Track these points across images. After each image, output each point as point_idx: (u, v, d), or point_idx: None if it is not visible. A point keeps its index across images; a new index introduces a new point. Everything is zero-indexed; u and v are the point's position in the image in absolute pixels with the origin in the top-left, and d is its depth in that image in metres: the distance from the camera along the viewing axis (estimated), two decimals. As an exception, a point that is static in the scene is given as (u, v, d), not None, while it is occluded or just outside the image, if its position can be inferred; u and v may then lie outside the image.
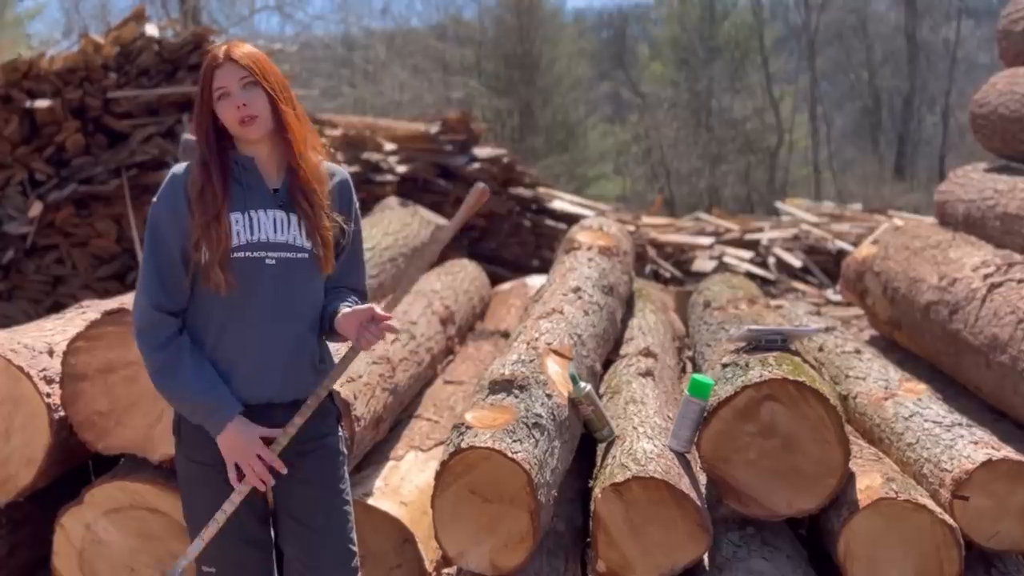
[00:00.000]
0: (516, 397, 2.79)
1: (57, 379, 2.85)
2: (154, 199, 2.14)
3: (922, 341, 4.57)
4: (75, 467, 3.06)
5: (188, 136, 2.25)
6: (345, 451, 2.32)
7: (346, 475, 2.31)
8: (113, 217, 6.55)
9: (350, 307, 2.18)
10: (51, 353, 2.94)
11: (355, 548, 2.28)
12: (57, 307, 5.89)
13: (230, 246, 2.09)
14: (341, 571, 2.23)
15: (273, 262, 2.12)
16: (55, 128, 6.50)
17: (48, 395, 2.82)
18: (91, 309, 3.34)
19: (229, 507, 2.11)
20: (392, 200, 6.41)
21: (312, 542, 2.22)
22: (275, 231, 2.14)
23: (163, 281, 2.11)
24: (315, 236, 2.16)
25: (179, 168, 2.16)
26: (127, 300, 3.19)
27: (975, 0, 26.41)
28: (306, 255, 2.16)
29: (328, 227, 2.18)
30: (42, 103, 6.42)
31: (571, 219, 8.46)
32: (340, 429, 2.31)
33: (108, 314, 2.82)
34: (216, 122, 2.13)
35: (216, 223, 2.08)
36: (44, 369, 2.86)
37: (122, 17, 7.29)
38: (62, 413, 2.83)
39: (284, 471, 2.12)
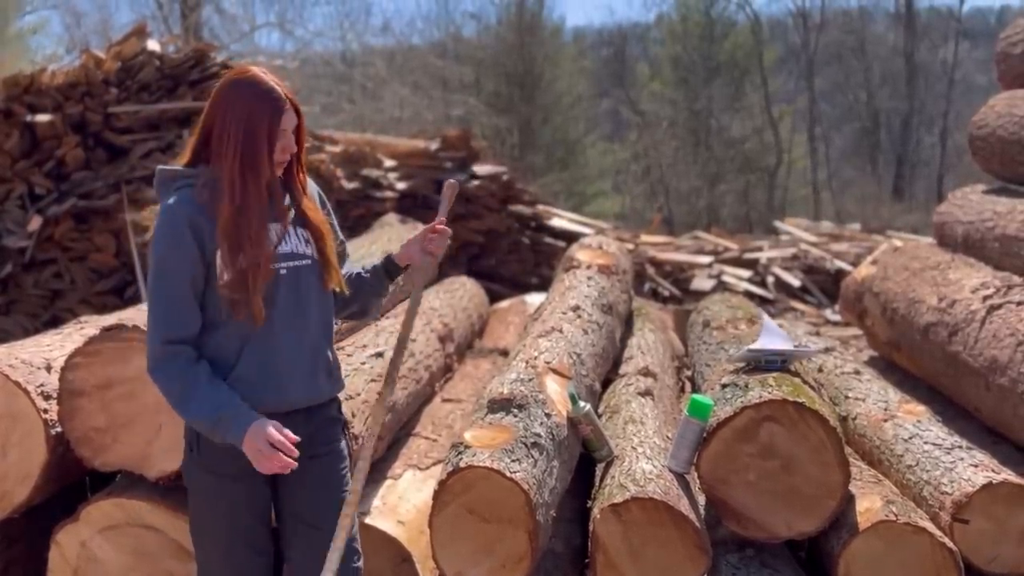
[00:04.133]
0: (515, 416, 2.78)
1: (54, 395, 2.84)
2: (155, 235, 2.16)
3: (921, 362, 4.57)
4: (71, 483, 3.05)
5: (163, 167, 2.26)
6: (349, 460, 2.38)
7: (351, 480, 2.35)
8: (112, 232, 6.54)
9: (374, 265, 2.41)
10: (49, 369, 2.93)
11: (359, 549, 2.33)
12: (55, 321, 5.88)
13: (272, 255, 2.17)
14: (347, 572, 2.25)
15: (285, 271, 2.21)
16: (55, 142, 6.51)
17: (45, 411, 2.80)
18: (89, 324, 3.33)
19: None
20: (391, 217, 6.42)
21: (321, 544, 2.24)
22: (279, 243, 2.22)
23: (171, 314, 2.14)
24: (322, 250, 2.26)
25: (172, 201, 2.16)
26: (125, 316, 3.19)
27: (973, 22, 26.61)
28: (309, 261, 2.26)
29: (329, 236, 2.28)
30: (43, 117, 6.43)
31: (570, 237, 8.47)
32: (345, 436, 2.39)
33: (106, 330, 2.81)
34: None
35: (261, 240, 2.14)
36: (42, 385, 2.85)
37: (124, 32, 7.32)
38: (59, 429, 2.82)
39: (294, 452, 2.12)
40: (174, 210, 2.15)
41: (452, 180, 2.38)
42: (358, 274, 2.43)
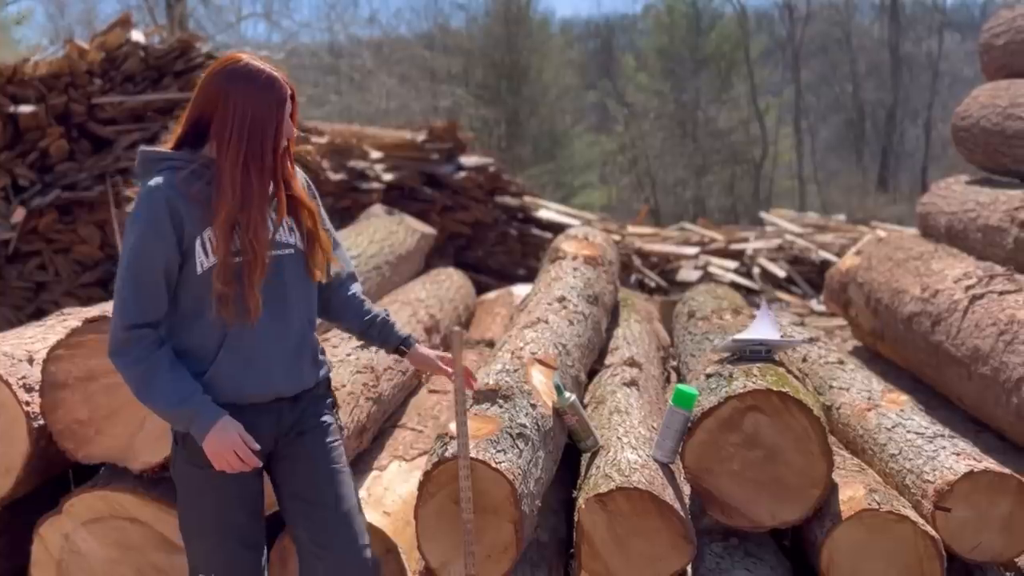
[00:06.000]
0: (500, 407, 2.78)
1: (37, 387, 2.82)
2: (133, 216, 2.12)
3: (905, 352, 4.60)
4: (55, 476, 3.03)
5: (146, 148, 2.22)
6: (340, 435, 2.38)
7: (344, 455, 2.36)
8: (97, 223, 6.51)
9: (397, 328, 2.46)
10: (31, 361, 2.91)
11: (364, 521, 2.32)
12: (39, 313, 5.85)
13: (270, 243, 2.16)
14: (351, 547, 2.25)
15: (267, 260, 2.16)
16: (39, 133, 6.46)
17: (27, 403, 2.79)
18: (72, 316, 3.31)
19: None
20: (378, 208, 6.40)
21: (321, 518, 2.24)
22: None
23: (140, 298, 2.11)
24: (310, 238, 2.26)
25: (153, 183, 2.11)
26: (109, 307, 3.16)
27: (958, 14, 26.73)
28: (292, 250, 2.23)
29: (318, 224, 2.28)
30: (26, 108, 6.38)
31: (557, 228, 8.48)
32: (335, 414, 2.39)
33: (89, 322, 2.79)
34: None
35: (259, 233, 2.12)
36: (24, 377, 2.83)
37: (108, 23, 7.26)
38: (42, 422, 2.80)
39: (259, 464, 2.15)
40: (155, 193, 2.10)
41: (457, 328, 2.47)
42: (372, 319, 2.46)
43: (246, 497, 2.24)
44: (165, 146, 2.20)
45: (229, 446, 2.09)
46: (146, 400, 2.12)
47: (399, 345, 2.48)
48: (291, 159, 2.26)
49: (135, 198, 2.15)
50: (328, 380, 2.39)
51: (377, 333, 2.47)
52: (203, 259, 2.11)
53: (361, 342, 2.84)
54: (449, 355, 2.46)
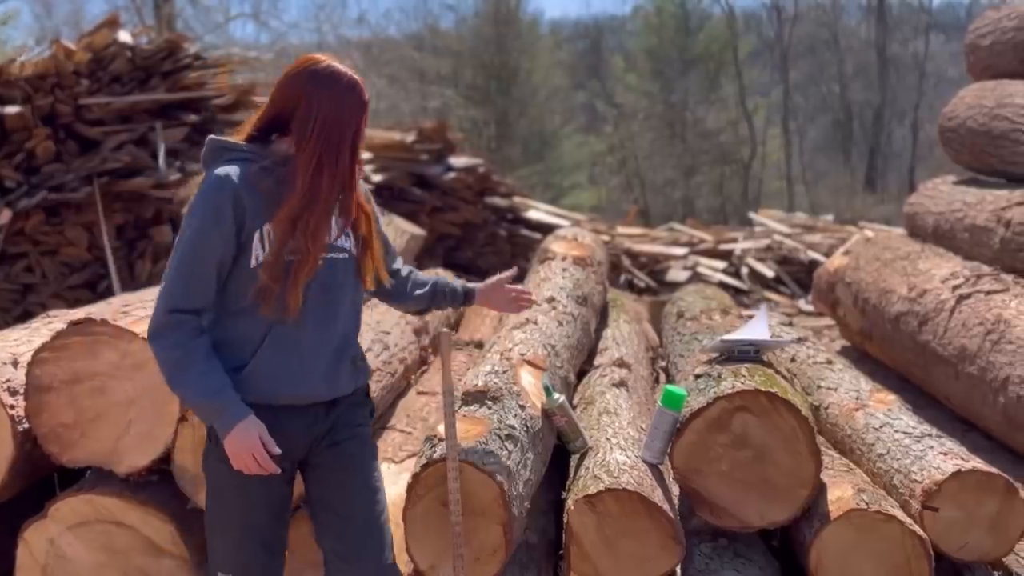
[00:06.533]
0: (489, 408, 2.77)
1: (22, 390, 2.80)
2: (196, 201, 2.11)
3: (892, 352, 4.61)
4: (40, 480, 3.01)
5: (215, 136, 2.22)
6: (375, 446, 2.38)
7: (379, 467, 2.35)
8: (84, 225, 6.46)
9: (457, 286, 2.64)
10: (15, 364, 2.88)
11: (391, 541, 2.31)
12: (26, 316, 5.81)
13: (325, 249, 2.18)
14: (376, 562, 2.25)
15: (322, 263, 2.17)
16: (25, 134, 6.41)
17: (12, 407, 2.76)
18: (58, 319, 3.29)
19: None
20: (366, 209, 6.38)
21: (348, 531, 2.23)
22: None
23: (188, 287, 2.10)
24: (365, 244, 2.28)
25: (222, 172, 2.10)
26: (95, 310, 3.15)
27: (944, 15, 26.87)
28: (346, 255, 2.24)
29: (373, 230, 2.29)
30: (12, 109, 6.33)
31: (546, 229, 8.49)
32: (372, 419, 2.40)
33: (74, 324, 2.77)
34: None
35: (318, 233, 2.13)
36: (8, 380, 2.81)
37: (95, 23, 7.22)
38: (26, 425, 2.78)
39: (277, 471, 2.13)
40: (222, 182, 2.09)
41: (445, 330, 2.57)
42: (439, 290, 2.61)
43: (273, 500, 2.22)
44: (236, 137, 2.20)
45: (248, 447, 2.08)
46: (176, 387, 2.12)
47: (466, 297, 2.65)
48: (360, 164, 2.25)
49: (200, 184, 2.14)
50: (367, 387, 2.37)
51: (446, 298, 2.62)
52: (259, 253, 2.12)
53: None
54: (512, 284, 2.66)
